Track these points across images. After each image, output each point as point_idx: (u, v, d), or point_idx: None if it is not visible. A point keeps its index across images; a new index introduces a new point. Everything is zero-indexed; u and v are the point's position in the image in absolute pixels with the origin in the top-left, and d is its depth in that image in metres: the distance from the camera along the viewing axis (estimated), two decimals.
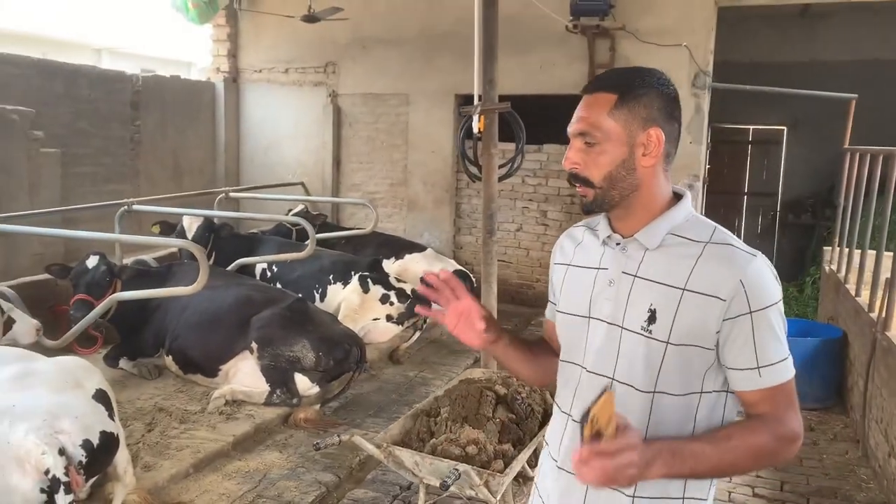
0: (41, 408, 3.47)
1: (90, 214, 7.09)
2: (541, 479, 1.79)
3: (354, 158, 9.35)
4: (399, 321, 6.59)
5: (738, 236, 1.64)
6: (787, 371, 1.54)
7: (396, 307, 6.59)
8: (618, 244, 1.64)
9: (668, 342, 1.53)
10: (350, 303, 6.46)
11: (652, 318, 1.54)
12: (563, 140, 1.63)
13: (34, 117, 6.80)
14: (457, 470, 2.75)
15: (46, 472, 3.25)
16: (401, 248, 7.98)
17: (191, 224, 6.59)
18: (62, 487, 3.25)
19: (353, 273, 6.70)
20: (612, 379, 1.60)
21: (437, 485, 2.80)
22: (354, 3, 8.37)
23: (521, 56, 8.02)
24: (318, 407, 5.07)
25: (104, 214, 6.93)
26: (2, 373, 3.66)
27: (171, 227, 6.74)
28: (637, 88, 1.56)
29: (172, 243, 5.84)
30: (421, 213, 9.04)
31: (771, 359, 1.52)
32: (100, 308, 5.11)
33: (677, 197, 1.65)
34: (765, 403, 1.54)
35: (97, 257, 5.31)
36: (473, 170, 5.33)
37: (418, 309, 1.84)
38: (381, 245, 7.97)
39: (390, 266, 7.60)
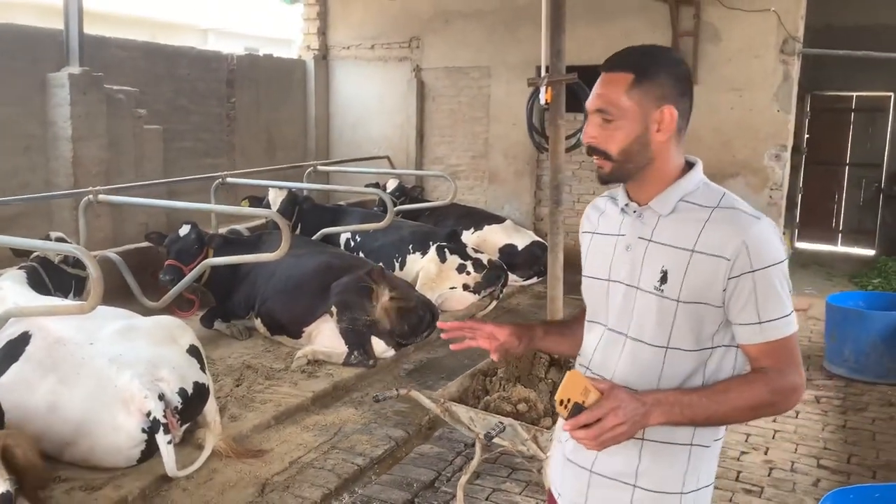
0: (144, 357, 3.88)
1: (190, 186, 7.61)
2: (559, 427, 1.92)
3: (437, 132, 9.54)
4: (475, 290, 6.77)
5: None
6: (787, 327, 1.62)
7: (473, 277, 6.77)
8: (634, 212, 1.75)
9: (678, 300, 1.64)
10: (428, 272, 6.70)
11: (664, 278, 1.65)
12: None
13: (138, 96, 7.35)
14: (501, 423, 2.91)
15: (148, 414, 3.65)
16: (480, 219, 8.17)
17: (276, 197, 7.00)
18: (161, 428, 3.64)
19: (431, 243, 6.93)
20: (626, 335, 1.72)
21: (483, 435, 2.96)
22: None
23: (602, 25, 7.96)
24: None
25: (203, 187, 7.42)
26: (109, 327, 4.10)
27: (259, 200, 7.18)
28: (652, 69, 1.66)
29: (260, 213, 6.23)
30: (502, 186, 9.16)
31: (771, 315, 1.60)
32: (194, 272, 5.55)
33: (690, 166, 1.74)
34: (767, 357, 1.63)
35: (189, 226, 5.75)
36: (540, 140, 5.40)
37: (453, 347, 1.96)
38: (461, 216, 8.18)
39: (469, 237, 7.80)
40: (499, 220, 8.22)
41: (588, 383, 1.49)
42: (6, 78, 6.38)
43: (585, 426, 1.47)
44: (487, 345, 1.89)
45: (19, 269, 4.80)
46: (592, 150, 1.72)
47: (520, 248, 7.83)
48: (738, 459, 4.18)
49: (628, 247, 1.73)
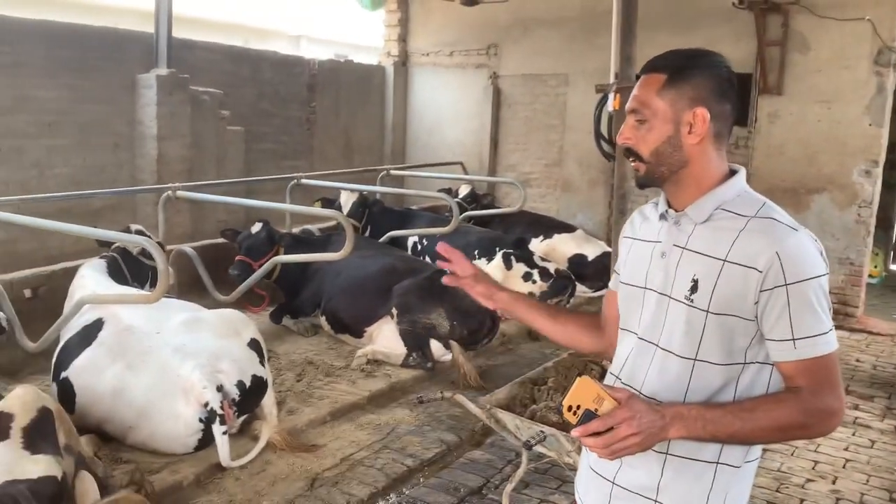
0: (206, 349, 4.01)
1: (268, 186, 7.84)
2: None
3: (511, 139, 9.52)
4: (541, 299, 6.69)
5: None
6: (825, 345, 1.53)
7: (539, 285, 6.70)
8: (671, 218, 1.70)
9: (708, 311, 1.58)
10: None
11: (694, 287, 1.60)
12: None
13: (222, 98, 7.63)
14: (542, 432, 2.86)
15: (206, 405, 3.76)
16: (550, 227, 8.08)
17: (347, 200, 7.15)
18: (217, 419, 3.75)
19: (497, 249, 6.90)
20: (657, 345, 1.67)
21: (523, 443, 2.93)
22: None
23: (685, 34, 7.73)
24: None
25: (280, 187, 7.63)
26: (176, 318, 4.26)
27: (332, 202, 7.34)
28: (687, 70, 1.62)
29: (328, 215, 6.34)
30: (575, 194, 9.04)
31: (807, 332, 1.52)
32: (263, 269, 5.71)
33: (734, 174, 1.68)
34: (802, 376, 1.54)
35: (261, 224, 5.93)
36: (607, 148, 5.31)
37: (445, 279, 1.96)
38: (530, 224, 8.11)
39: (538, 245, 7.72)
40: (569, 228, 8.11)
41: (601, 391, 1.45)
42: (99, 78, 6.75)
43: (596, 434, 1.43)
44: (470, 286, 1.93)
45: (101, 258, 5.05)
46: (628, 152, 1.70)
47: (590, 258, 7.70)
48: (803, 487, 3.98)
49: (663, 254, 1.69)
